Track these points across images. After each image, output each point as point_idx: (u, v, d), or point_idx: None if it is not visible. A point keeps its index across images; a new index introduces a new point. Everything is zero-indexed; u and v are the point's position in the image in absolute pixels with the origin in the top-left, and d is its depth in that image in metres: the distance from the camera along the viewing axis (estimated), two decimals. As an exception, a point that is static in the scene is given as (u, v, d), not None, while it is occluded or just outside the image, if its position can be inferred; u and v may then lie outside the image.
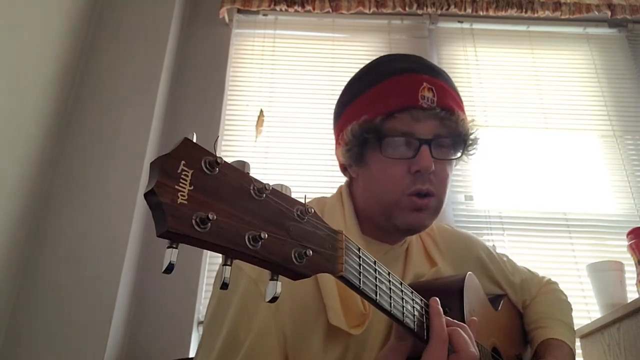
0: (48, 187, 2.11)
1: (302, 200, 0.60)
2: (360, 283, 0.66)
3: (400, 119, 1.00)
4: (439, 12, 2.95)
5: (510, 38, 3.06)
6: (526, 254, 2.48)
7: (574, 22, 3.03)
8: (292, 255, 0.54)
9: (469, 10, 2.91)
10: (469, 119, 1.08)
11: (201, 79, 2.73)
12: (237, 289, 0.93)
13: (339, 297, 0.94)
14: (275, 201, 0.55)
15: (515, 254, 2.42)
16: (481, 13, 2.91)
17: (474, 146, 1.10)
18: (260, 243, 0.51)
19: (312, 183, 2.54)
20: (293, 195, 0.59)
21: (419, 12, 2.96)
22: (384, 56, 1.14)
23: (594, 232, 2.55)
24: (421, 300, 0.83)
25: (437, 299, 0.83)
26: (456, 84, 1.12)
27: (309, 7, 2.85)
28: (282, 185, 0.58)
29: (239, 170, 0.53)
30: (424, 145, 0.99)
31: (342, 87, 1.16)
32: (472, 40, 3.02)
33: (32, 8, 1.99)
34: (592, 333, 1.95)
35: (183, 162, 0.47)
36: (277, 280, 0.54)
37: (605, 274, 2.05)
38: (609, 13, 2.93)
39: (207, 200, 0.48)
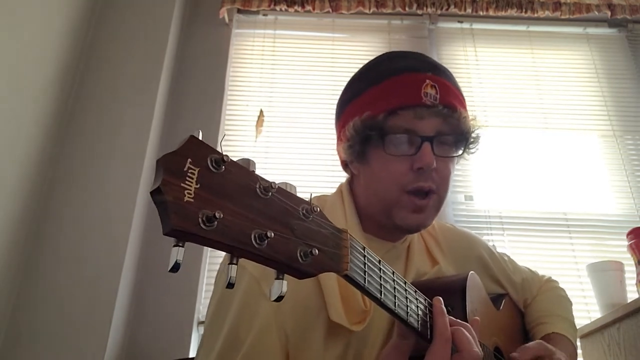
0: (48, 187, 2.11)
1: (308, 199, 0.60)
2: (365, 282, 0.66)
3: (403, 116, 1.00)
4: (439, 12, 2.95)
5: (510, 38, 3.06)
6: (526, 254, 2.48)
7: (574, 22, 3.04)
8: (298, 254, 0.54)
9: (469, 10, 2.91)
10: (470, 116, 1.08)
11: (201, 79, 2.73)
12: (239, 287, 0.93)
13: (340, 294, 0.94)
14: (280, 200, 0.55)
15: (515, 253, 2.41)
16: (481, 13, 2.91)
17: (476, 144, 1.10)
18: (266, 242, 0.50)
19: (313, 183, 2.54)
20: (300, 195, 0.59)
21: (419, 12, 2.96)
22: (387, 53, 1.14)
23: (594, 232, 2.55)
24: (425, 299, 0.83)
25: (441, 298, 0.82)
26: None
27: (309, 7, 2.85)
28: (287, 183, 0.58)
29: (245, 168, 0.52)
30: (426, 143, 0.99)
31: (342, 87, 1.16)
32: (472, 40, 3.02)
33: (32, 8, 1.99)
34: (592, 333, 1.95)
35: (189, 160, 0.47)
36: (282, 279, 0.54)
37: (605, 274, 2.05)
38: (609, 13, 2.94)
39: (213, 198, 0.48)
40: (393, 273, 0.75)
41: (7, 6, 1.84)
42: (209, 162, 0.48)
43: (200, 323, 2.23)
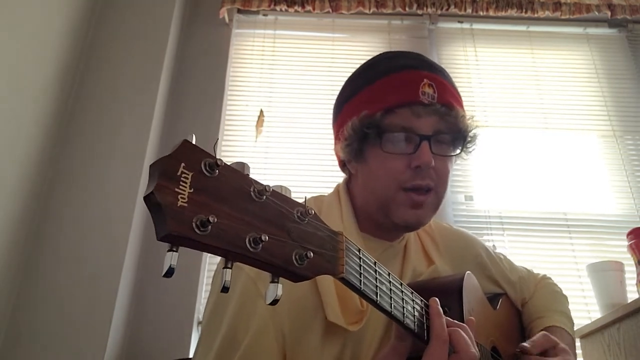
0: (48, 187, 2.11)
1: (302, 202, 0.60)
2: (360, 284, 0.66)
3: (400, 115, 1.00)
4: (439, 12, 2.95)
5: (510, 38, 3.06)
6: (526, 254, 2.48)
7: (574, 22, 3.03)
8: (293, 257, 0.54)
9: (469, 10, 2.91)
10: (468, 115, 1.08)
11: (201, 79, 2.73)
12: (236, 287, 0.93)
13: (337, 294, 0.94)
14: (275, 203, 0.55)
15: (515, 254, 2.42)
16: (481, 13, 2.91)
17: (474, 143, 1.10)
18: (261, 245, 0.50)
19: (312, 183, 2.54)
20: (293, 196, 0.59)
21: (419, 12, 2.96)
22: (384, 53, 1.14)
23: (594, 232, 2.55)
24: (421, 300, 0.83)
25: (437, 299, 0.83)
26: (456, 84, 1.13)
27: (309, 7, 2.85)
28: (282, 186, 0.57)
29: (239, 171, 0.52)
30: (424, 141, 0.99)
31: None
32: (472, 40, 3.01)
33: (32, 8, 1.99)
34: (592, 333, 1.96)
35: (183, 164, 0.47)
36: (277, 282, 0.54)
37: (605, 274, 2.05)
38: (609, 13, 2.93)
39: (208, 202, 0.48)
40: (389, 274, 0.75)
41: (7, 6, 1.84)
42: (202, 166, 0.48)
43: (200, 323, 2.23)
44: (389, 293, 0.72)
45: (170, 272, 0.45)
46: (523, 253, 2.48)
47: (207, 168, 0.49)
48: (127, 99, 2.35)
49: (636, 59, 2.97)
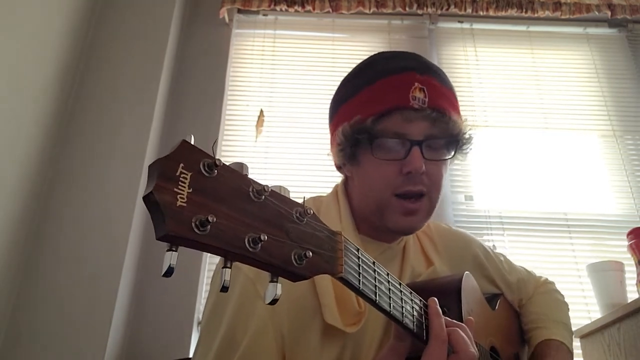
0: (48, 187, 2.11)
1: (301, 202, 0.60)
2: (359, 284, 0.66)
3: (391, 120, 0.99)
4: (439, 12, 2.95)
5: (510, 38, 3.06)
6: (526, 254, 2.48)
7: (574, 22, 3.03)
8: (292, 257, 0.54)
9: (469, 10, 2.91)
10: (463, 118, 1.07)
11: (201, 79, 2.73)
12: (235, 288, 0.93)
13: (335, 296, 0.94)
14: (274, 203, 0.55)
15: (515, 254, 2.42)
16: (481, 13, 2.91)
17: (468, 146, 1.09)
18: (260, 245, 0.50)
19: (313, 183, 2.54)
20: (293, 196, 0.59)
21: (419, 12, 2.96)
22: (379, 54, 1.13)
23: (594, 232, 2.55)
24: (420, 300, 0.83)
25: (436, 299, 0.83)
26: (456, 84, 1.12)
27: (309, 7, 2.85)
28: (281, 187, 0.58)
29: (238, 172, 0.52)
30: (415, 147, 0.98)
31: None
32: (472, 40, 3.02)
33: (32, 8, 1.99)
34: (592, 333, 1.95)
35: (181, 164, 0.47)
36: (276, 282, 0.54)
37: (605, 274, 2.05)
38: (609, 13, 2.93)
39: (206, 202, 0.48)
40: (388, 274, 0.75)
41: (7, 6, 1.84)
42: (201, 166, 0.48)
43: (200, 323, 2.23)
44: (387, 293, 0.72)
45: (169, 272, 0.45)
46: (523, 253, 2.48)
47: (206, 168, 0.49)
48: (127, 99, 2.35)
49: (636, 59, 2.97)
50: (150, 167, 0.46)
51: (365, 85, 1.05)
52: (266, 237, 0.51)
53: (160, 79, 2.42)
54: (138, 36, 2.51)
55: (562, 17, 2.92)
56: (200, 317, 2.23)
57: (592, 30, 3.06)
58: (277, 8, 2.85)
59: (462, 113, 1.09)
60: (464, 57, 2.97)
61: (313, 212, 0.59)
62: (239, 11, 2.94)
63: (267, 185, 0.54)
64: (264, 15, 2.98)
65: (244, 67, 2.88)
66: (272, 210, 0.54)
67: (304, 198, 0.61)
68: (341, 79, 1.16)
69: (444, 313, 0.82)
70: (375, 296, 0.69)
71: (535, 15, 2.91)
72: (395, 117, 0.99)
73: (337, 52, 2.94)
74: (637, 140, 2.78)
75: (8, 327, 1.87)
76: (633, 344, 1.71)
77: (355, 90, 1.07)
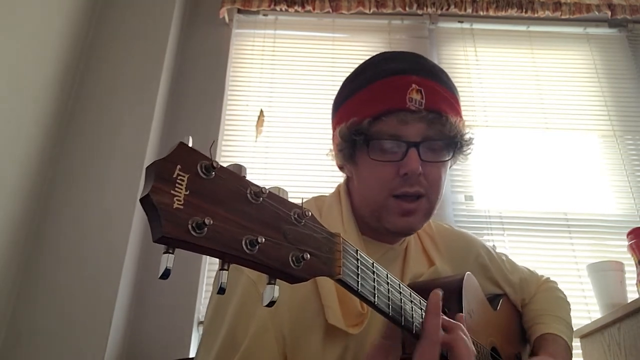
0: (48, 187, 2.11)
1: (299, 203, 0.60)
2: (358, 286, 0.66)
3: (387, 122, 0.99)
4: (439, 12, 2.95)
5: (510, 38, 3.06)
6: (526, 254, 2.48)
7: (574, 22, 3.03)
8: (290, 259, 0.54)
9: (469, 10, 2.91)
10: (462, 119, 1.07)
11: (201, 79, 2.73)
12: (236, 289, 0.93)
13: (337, 297, 0.94)
14: (272, 205, 0.55)
15: (516, 254, 2.42)
16: (481, 13, 2.91)
17: (467, 147, 1.09)
18: (257, 247, 0.50)
19: (313, 183, 2.54)
20: (293, 196, 0.59)
21: (419, 12, 2.96)
22: (379, 55, 1.13)
23: (594, 232, 2.55)
24: (420, 301, 0.83)
25: (439, 292, 0.81)
26: (456, 84, 1.11)
27: (309, 7, 2.85)
28: (279, 188, 0.57)
29: (235, 174, 0.52)
30: (411, 148, 0.98)
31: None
32: (472, 40, 3.01)
33: (32, 8, 1.99)
34: (592, 333, 1.95)
35: (179, 166, 0.47)
36: (274, 284, 0.54)
37: (606, 274, 2.05)
38: (609, 13, 2.93)
39: (204, 204, 0.48)
40: (387, 276, 0.75)
41: (7, 6, 1.84)
42: (198, 168, 0.48)
43: (200, 323, 2.23)
44: (387, 294, 0.72)
45: (166, 274, 0.45)
46: (523, 253, 2.48)
47: (203, 170, 0.49)
48: (127, 99, 2.35)
49: (636, 59, 2.97)
50: (147, 168, 0.46)
51: (364, 86, 1.05)
52: (263, 239, 0.51)
53: (160, 79, 2.42)
54: (138, 36, 2.51)
55: (562, 17, 2.92)
56: (201, 317, 2.24)
57: (592, 30, 3.06)
58: (277, 8, 2.85)
59: (463, 115, 1.09)
60: (464, 57, 2.97)
61: (311, 214, 0.59)
62: (239, 11, 2.94)
63: (264, 187, 0.54)
64: (264, 15, 2.98)
65: (244, 67, 2.88)
66: (269, 212, 0.54)
67: (302, 199, 0.61)
68: (341, 79, 1.16)
69: (444, 313, 0.82)
70: (374, 298, 0.69)
71: (535, 15, 2.91)
72: (392, 119, 0.99)
73: (337, 52, 2.94)
74: (637, 140, 2.78)
75: (8, 327, 1.87)
76: (633, 344, 1.71)
77: (354, 91, 1.07)
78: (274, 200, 0.55)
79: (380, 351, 0.78)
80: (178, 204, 0.45)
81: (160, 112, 2.43)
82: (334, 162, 1.16)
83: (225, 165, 0.53)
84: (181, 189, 0.46)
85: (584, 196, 2.63)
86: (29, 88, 1.97)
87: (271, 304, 0.54)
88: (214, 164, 0.49)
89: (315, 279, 0.95)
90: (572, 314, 1.34)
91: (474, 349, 0.77)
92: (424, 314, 0.82)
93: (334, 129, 1.11)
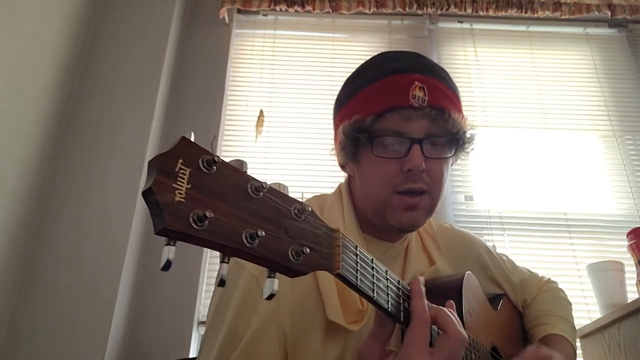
0: (48, 187, 2.11)
1: (300, 199, 0.60)
2: (357, 281, 0.66)
3: (390, 119, 1.00)
4: (439, 12, 2.96)
5: (510, 38, 3.06)
6: (526, 254, 2.48)
7: (574, 22, 3.04)
8: (290, 253, 0.54)
9: (469, 10, 2.91)
10: (465, 117, 1.07)
11: (201, 79, 2.73)
12: (239, 285, 0.94)
13: (338, 294, 0.95)
14: (272, 199, 0.55)
15: (515, 254, 2.42)
16: (481, 13, 2.92)
17: (469, 144, 1.09)
18: (257, 241, 0.51)
19: (312, 183, 2.54)
20: (291, 195, 0.59)
21: (419, 12, 2.96)
22: (381, 54, 1.13)
23: (594, 232, 2.55)
24: None
25: (420, 278, 0.80)
26: (456, 84, 1.12)
27: (309, 7, 2.85)
28: (280, 184, 0.58)
29: (237, 168, 0.53)
30: (415, 145, 0.99)
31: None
32: (472, 40, 3.02)
33: (32, 8, 1.99)
34: (592, 333, 1.95)
35: (181, 160, 0.47)
36: (274, 277, 0.55)
37: (606, 274, 2.05)
38: (609, 13, 2.94)
39: (205, 198, 0.48)
40: (386, 272, 0.75)
41: (7, 6, 1.84)
42: (200, 162, 0.49)
43: (200, 323, 2.24)
44: (386, 290, 0.72)
45: (167, 266, 0.46)
46: (523, 253, 2.48)
47: (205, 165, 0.49)
48: (127, 99, 2.35)
49: (636, 59, 2.98)
50: (150, 162, 0.46)
51: (366, 84, 1.06)
52: (264, 233, 0.51)
53: (160, 79, 2.42)
54: (138, 36, 2.51)
55: (562, 17, 2.93)
56: (201, 317, 2.24)
57: (592, 30, 3.07)
58: (277, 8, 2.86)
59: (464, 113, 1.10)
60: (464, 57, 2.97)
61: (311, 209, 0.59)
62: (239, 11, 2.94)
63: (265, 182, 0.54)
64: (264, 15, 2.98)
65: (244, 67, 2.88)
66: (270, 207, 0.54)
67: (302, 195, 0.62)
68: (341, 79, 1.16)
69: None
70: (373, 293, 0.69)
71: (535, 15, 2.92)
72: (395, 116, 0.99)
73: (337, 52, 2.94)
74: (637, 140, 2.78)
75: (8, 327, 1.87)
76: (633, 344, 1.71)
77: (356, 90, 1.08)
78: (275, 195, 0.56)
79: (375, 339, 0.78)
80: (180, 197, 0.46)
81: (160, 112, 2.43)
82: (335, 162, 1.16)
83: (231, 160, 0.54)
84: (183, 183, 0.46)
85: (584, 196, 2.63)
86: (29, 88, 1.98)
87: (271, 296, 0.54)
88: (216, 159, 0.50)
89: (316, 276, 0.96)
90: (572, 310, 1.35)
91: (465, 335, 0.76)
92: None
93: (336, 128, 1.12)
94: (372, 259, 0.72)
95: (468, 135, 1.07)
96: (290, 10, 2.86)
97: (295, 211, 0.57)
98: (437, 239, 1.24)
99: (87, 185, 2.14)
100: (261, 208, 0.53)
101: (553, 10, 2.91)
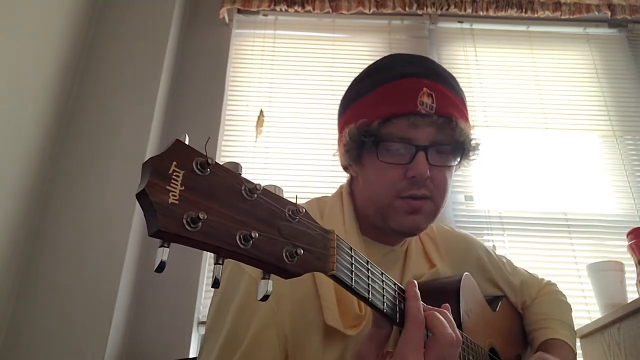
0: (48, 187, 2.12)
1: (294, 201, 0.61)
2: (352, 282, 0.66)
3: (397, 125, 1.00)
4: (439, 12, 2.96)
5: (510, 38, 3.06)
6: (526, 254, 2.48)
7: (574, 22, 3.04)
8: (284, 254, 0.55)
9: (469, 10, 2.91)
10: (470, 125, 1.07)
11: (201, 79, 2.73)
12: (239, 287, 0.94)
13: (336, 298, 0.95)
14: (266, 201, 0.55)
15: (515, 254, 2.43)
16: (481, 13, 2.92)
17: (474, 152, 1.09)
18: (251, 242, 0.51)
19: (312, 183, 2.55)
20: (291, 195, 0.59)
21: (419, 12, 2.96)
22: (391, 57, 1.13)
23: (594, 232, 2.55)
24: None
25: (415, 282, 0.80)
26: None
27: (309, 7, 2.85)
28: (274, 186, 0.58)
29: (230, 170, 0.53)
30: (420, 152, 0.99)
31: (343, 87, 1.16)
32: (472, 40, 3.02)
33: (32, 8, 1.99)
34: (592, 333, 1.95)
35: (174, 162, 0.47)
36: (268, 279, 0.55)
37: (605, 274, 2.05)
38: (609, 13, 2.94)
39: (198, 200, 0.48)
40: (382, 273, 0.75)
41: (7, 6, 1.84)
42: (194, 164, 0.49)
43: (200, 323, 2.24)
44: (381, 291, 0.72)
45: (161, 267, 0.46)
46: (523, 253, 2.48)
47: (199, 167, 0.49)
48: (127, 99, 2.35)
49: (636, 59, 2.98)
50: (143, 165, 0.46)
51: (374, 88, 1.06)
52: (257, 235, 0.51)
53: (160, 79, 2.43)
54: (138, 36, 2.51)
55: (562, 17, 2.93)
56: (201, 317, 2.24)
57: (592, 30, 3.07)
58: (277, 8, 2.86)
59: (470, 120, 1.10)
60: (463, 57, 2.97)
61: (305, 211, 0.60)
62: (239, 11, 2.94)
63: (259, 184, 0.55)
64: (264, 15, 2.98)
65: (244, 67, 2.88)
66: (264, 208, 0.54)
67: (296, 196, 0.62)
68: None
69: None
70: (368, 294, 0.69)
71: (535, 15, 2.92)
72: (402, 122, 0.99)
73: (337, 52, 2.94)
74: (637, 140, 2.78)
75: (8, 327, 1.87)
76: (633, 344, 1.71)
77: (364, 92, 1.07)
78: (269, 196, 0.56)
79: (372, 340, 0.78)
80: (173, 199, 0.46)
81: (160, 112, 2.43)
82: (336, 162, 1.17)
83: (225, 162, 0.54)
84: (176, 185, 0.47)
85: (584, 196, 2.63)
86: (29, 88, 1.98)
87: (265, 297, 0.54)
88: (209, 161, 0.50)
89: (314, 280, 0.96)
90: (572, 314, 1.35)
91: (459, 335, 0.75)
92: None
93: (340, 129, 1.12)
94: (368, 261, 0.72)
95: (473, 143, 1.08)
96: (290, 10, 2.86)
97: (290, 212, 0.57)
98: (438, 242, 1.24)
99: (87, 185, 2.15)
100: (255, 209, 0.53)
101: (553, 10, 2.91)
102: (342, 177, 1.21)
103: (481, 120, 2.78)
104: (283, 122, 2.73)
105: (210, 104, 2.67)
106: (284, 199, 0.58)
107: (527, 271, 1.41)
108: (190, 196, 0.48)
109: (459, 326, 0.93)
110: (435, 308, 0.79)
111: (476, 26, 3.06)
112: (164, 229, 0.45)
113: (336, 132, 1.16)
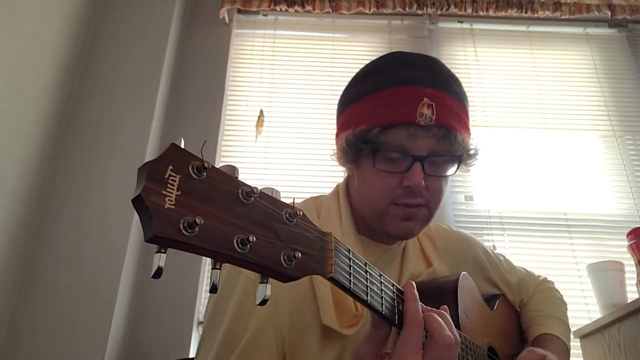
0: (48, 187, 2.11)
1: (291, 203, 0.60)
2: (350, 284, 0.66)
3: (395, 134, 0.99)
4: (439, 12, 2.95)
5: (510, 38, 3.06)
6: (526, 254, 2.48)
7: (574, 22, 3.03)
8: (281, 258, 0.54)
9: (469, 10, 2.91)
10: (470, 134, 1.07)
11: (201, 79, 2.73)
12: (236, 288, 0.94)
13: (333, 298, 0.95)
14: (263, 204, 0.55)
15: (515, 254, 2.43)
16: (481, 13, 2.91)
17: (472, 161, 1.09)
18: (248, 246, 0.51)
19: (312, 183, 2.54)
20: (293, 196, 0.59)
21: (419, 12, 2.96)
22: (393, 56, 1.11)
23: (594, 232, 2.55)
24: None
25: (413, 283, 0.80)
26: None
27: (309, 7, 2.85)
28: (272, 189, 0.58)
29: (227, 174, 0.53)
30: (416, 162, 0.98)
31: (342, 88, 1.15)
32: (472, 40, 3.01)
33: (32, 8, 1.99)
34: (592, 333, 1.95)
35: (170, 167, 0.47)
36: (266, 283, 0.55)
37: (605, 274, 2.05)
38: (609, 13, 2.93)
39: (195, 204, 0.48)
40: (380, 275, 0.75)
41: (7, 6, 1.84)
42: (190, 169, 0.49)
43: (200, 323, 2.24)
44: (380, 293, 0.72)
45: (158, 273, 0.46)
46: (523, 253, 2.48)
47: (195, 171, 0.49)
48: (127, 99, 2.35)
49: (636, 59, 2.97)
50: (139, 169, 0.46)
51: (374, 91, 1.04)
52: (255, 238, 0.51)
53: (160, 79, 2.42)
54: (138, 36, 2.51)
55: (562, 17, 2.92)
56: (201, 317, 2.24)
57: (592, 30, 3.06)
58: (277, 8, 2.85)
59: (470, 128, 1.09)
60: (463, 57, 2.97)
61: (303, 213, 0.59)
62: (239, 11, 2.94)
63: (256, 187, 0.54)
64: (264, 15, 2.98)
65: (244, 67, 2.88)
66: (261, 212, 0.54)
67: (294, 200, 0.62)
68: (341, 79, 1.16)
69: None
70: (367, 296, 0.69)
71: (535, 15, 2.91)
72: (401, 132, 0.99)
73: (337, 52, 2.94)
74: (637, 140, 2.78)
75: (8, 327, 1.87)
76: (633, 344, 1.71)
77: (363, 94, 1.06)
78: (266, 200, 0.56)
79: (371, 341, 0.78)
80: (169, 204, 0.46)
81: (160, 112, 2.43)
82: (335, 162, 1.16)
83: (222, 165, 0.54)
84: (173, 189, 0.46)
85: (584, 196, 2.63)
86: (29, 88, 1.98)
87: (263, 302, 0.54)
88: (206, 165, 0.49)
89: (312, 281, 0.96)
90: (572, 314, 1.35)
91: (457, 336, 0.75)
92: None
93: (338, 129, 1.11)
94: (365, 263, 0.72)
95: (472, 152, 1.07)
96: (290, 10, 2.86)
97: (287, 215, 0.57)
98: (435, 241, 1.24)
99: (87, 185, 2.14)
100: (252, 213, 0.53)
101: (553, 10, 2.90)
102: (342, 178, 1.21)
103: (481, 120, 2.78)
104: (283, 122, 2.72)
105: (210, 104, 2.67)
106: (281, 201, 0.58)
107: (524, 269, 1.41)
108: (186, 201, 0.47)
109: (457, 326, 0.93)
110: (434, 309, 0.79)
111: (476, 26, 3.05)
112: (161, 234, 0.44)
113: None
